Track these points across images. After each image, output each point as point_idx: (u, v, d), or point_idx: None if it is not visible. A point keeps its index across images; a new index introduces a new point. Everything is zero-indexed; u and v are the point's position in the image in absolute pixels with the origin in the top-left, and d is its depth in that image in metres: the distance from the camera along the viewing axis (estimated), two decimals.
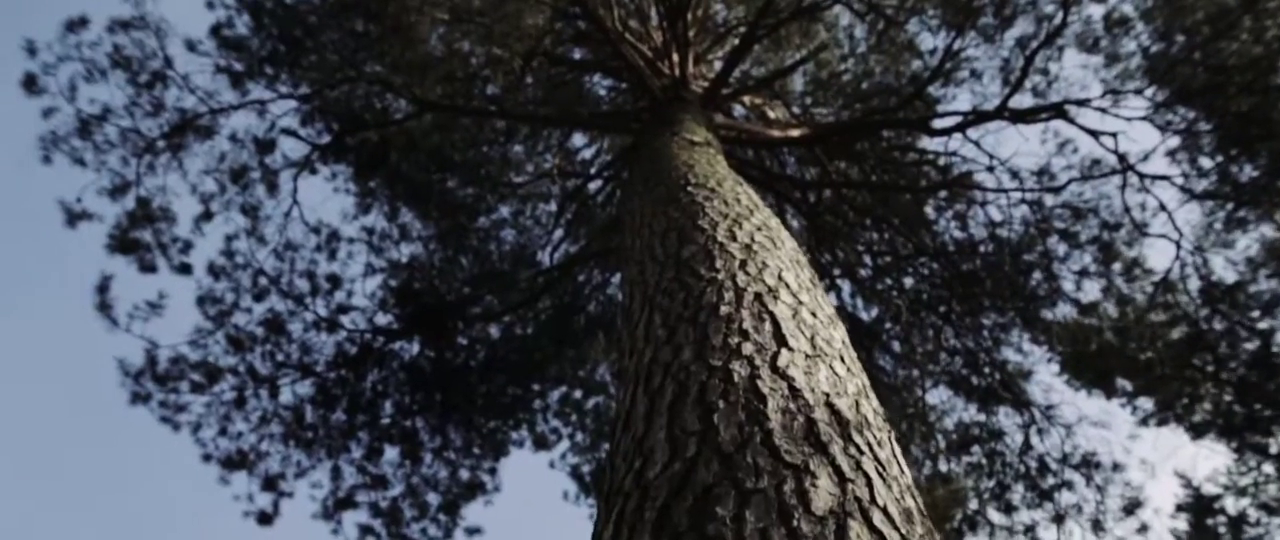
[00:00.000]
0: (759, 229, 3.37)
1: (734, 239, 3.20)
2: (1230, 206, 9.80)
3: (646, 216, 4.13)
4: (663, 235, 3.58)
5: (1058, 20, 9.31)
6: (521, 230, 11.81)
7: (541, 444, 11.54)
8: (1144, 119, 9.62)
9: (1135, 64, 9.92)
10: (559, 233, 11.59)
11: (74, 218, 8.44)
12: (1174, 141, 9.75)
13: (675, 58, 8.95)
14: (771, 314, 2.48)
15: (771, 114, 11.45)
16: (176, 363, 9.01)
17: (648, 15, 10.60)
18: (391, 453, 10.26)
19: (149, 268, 9.02)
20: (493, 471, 10.89)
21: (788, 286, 2.73)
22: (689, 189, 4.13)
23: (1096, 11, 9.93)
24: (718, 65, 11.32)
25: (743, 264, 2.91)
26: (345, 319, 10.00)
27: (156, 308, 8.51)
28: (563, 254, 11.64)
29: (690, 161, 4.86)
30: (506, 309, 11.01)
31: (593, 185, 11.76)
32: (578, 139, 12.22)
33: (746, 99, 11.23)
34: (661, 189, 4.48)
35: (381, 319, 10.31)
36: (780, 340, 2.31)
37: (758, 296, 2.61)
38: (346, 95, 9.44)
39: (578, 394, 11.94)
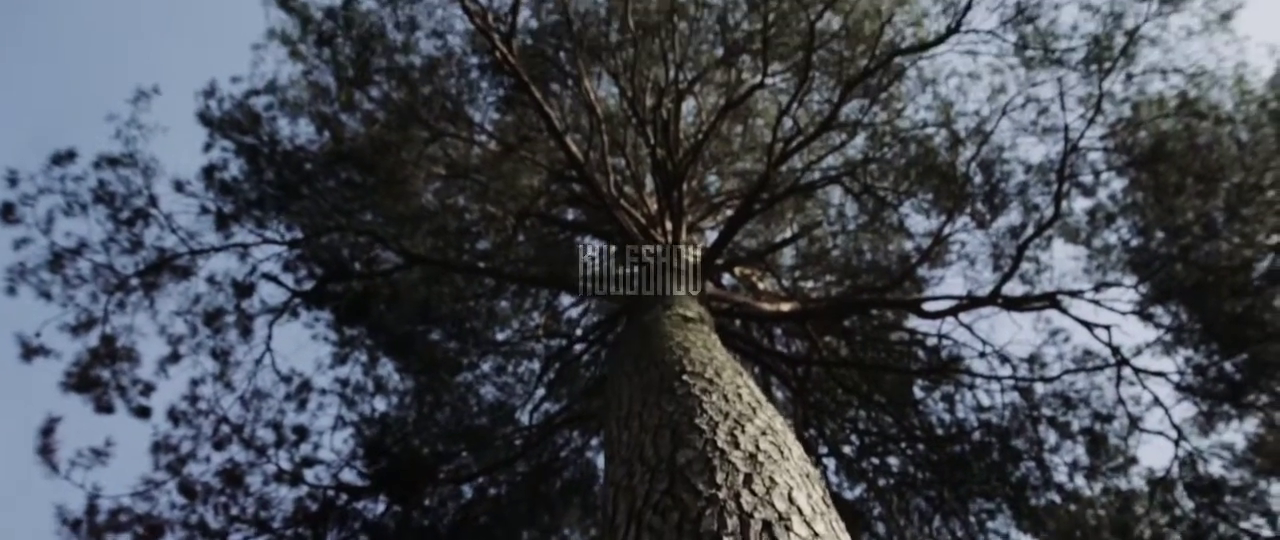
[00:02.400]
0: (764, 434, 3.09)
1: (737, 446, 2.91)
2: (1213, 403, 9.64)
3: (635, 405, 3.83)
4: (654, 433, 3.28)
5: (1049, 214, 9.40)
6: (502, 387, 11.48)
7: None
8: (1134, 313, 9.59)
9: (1118, 258, 10.00)
10: (541, 392, 11.25)
11: (30, 352, 8.06)
12: (1165, 336, 9.69)
13: (668, 226, 8.93)
14: None
15: (760, 285, 11.39)
16: (118, 513, 8.41)
17: (643, 183, 10.70)
18: None
19: (105, 408, 8.58)
20: None
21: (800, 513, 2.43)
22: (685, 378, 3.86)
23: (1081, 205, 10.08)
24: (710, 234, 11.35)
25: (748, 480, 2.61)
26: (309, 473, 9.50)
27: (102, 456, 8.00)
28: (543, 414, 11.26)
29: (685, 344, 4.62)
30: (481, 469, 10.54)
31: (578, 346, 11.52)
32: (565, 298, 12.09)
33: (736, 269, 11.19)
34: (654, 373, 4.21)
35: (347, 474, 9.79)
36: None
37: (766, 526, 2.31)
38: (334, 243, 9.31)
39: None
